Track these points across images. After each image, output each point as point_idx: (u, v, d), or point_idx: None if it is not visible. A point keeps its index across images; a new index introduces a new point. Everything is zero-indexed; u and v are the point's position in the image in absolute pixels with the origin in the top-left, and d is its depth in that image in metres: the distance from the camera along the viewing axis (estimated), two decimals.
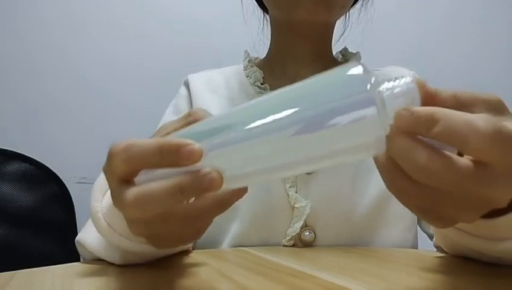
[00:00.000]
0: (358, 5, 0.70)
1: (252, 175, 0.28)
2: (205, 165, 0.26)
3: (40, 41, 1.39)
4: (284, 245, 0.56)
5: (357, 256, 0.50)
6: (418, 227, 0.63)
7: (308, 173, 0.57)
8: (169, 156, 0.26)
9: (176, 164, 0.26)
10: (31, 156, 0.86)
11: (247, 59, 0.70)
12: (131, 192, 0.27)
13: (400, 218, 0.59)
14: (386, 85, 0.27)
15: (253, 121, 0.27)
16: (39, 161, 0.86)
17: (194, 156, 0.26)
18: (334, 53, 0.71)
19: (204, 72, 0.72)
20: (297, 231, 0.55)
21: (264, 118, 0.27)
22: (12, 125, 1.36)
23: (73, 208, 0.87)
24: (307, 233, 0.56)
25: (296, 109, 0.26)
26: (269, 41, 0.71)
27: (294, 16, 0.61)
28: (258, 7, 0.73)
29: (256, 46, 0.73)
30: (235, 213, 0.58)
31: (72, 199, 0.87)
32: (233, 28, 0.76)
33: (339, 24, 0.70)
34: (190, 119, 0.32)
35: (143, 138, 0.34)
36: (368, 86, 0.25)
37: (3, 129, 1.34)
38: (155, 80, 1.43)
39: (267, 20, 0.72)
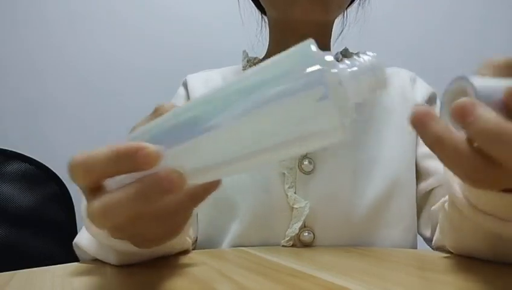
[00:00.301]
0: (355, 4, 0.70)
1: (216, 168, 0.27)
2: (167, 163, 0.25)
3: (40, 41, 1.39)
4: (283, 246, 0.56)
5: (357, 256, 0.50)
6: None
7: (307, 173, 0.57)
8: (126, 162, 0.25)
9: (135, 169, 0.26)
10: (31, 156, 0.86)
11: (246, 59, 0.70)
12: (96, 204, 0.27)
13: (399, 219, 0.59)
14: (345, 64, 0.25)
15: (210, 114, 0.26)
16: (39, 161, 0.86)
17: (151, 160, 0.25)
18: (333, 53, 0.71)
19: (202, 72, 0.72)
20: (296, 231, 0.55)
21: (219, 109, 0.26)
22: (12, 125, 1.36)
23: (73, 208, 0.87)
24: (306, 234, 0.56)
25: (249, 97, 0.25)
26: (267, 42, 0.71)
27: (291, 15, 0.61)
28: (256, 9, 0.73)
29: (255, 47, 0.73)
30: (235, 213, 0.58)
31: (72, 199, 0.87)
32: (233, 28, 0.76)
33: (337, 22, 0.70)
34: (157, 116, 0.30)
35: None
36: (318, 67, 0.23)
37: (3, 129, 1.34)
38: (155, 80, 1.43)
39: (265, 22, 0.72)
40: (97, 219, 0.27)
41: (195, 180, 0.27)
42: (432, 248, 0.56)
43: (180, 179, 0.26)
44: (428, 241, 0.59)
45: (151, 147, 0.25)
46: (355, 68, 0.25)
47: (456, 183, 0.39)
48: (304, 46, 0.25)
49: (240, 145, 0.26)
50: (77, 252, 0.48)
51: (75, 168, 0.27)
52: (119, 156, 0.25)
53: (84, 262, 0.46)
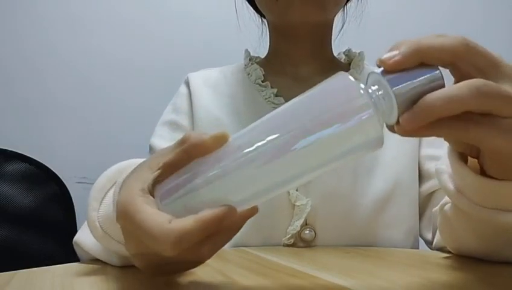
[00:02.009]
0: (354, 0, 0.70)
1: (270, 191, 0.30)
2: (212, 197, 0.29)
3: (40, 41, 1.39)
4: (285, 243, 0.56)
5: (357, 256, 0.50)
6: None
7: None
8: (213, 227, 0.28)
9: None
10: (31, 156, 0.86)
11: (248, 57, 0.70)
12: (207, 252, 0.30)
13: (401, 220, 0.58)
14: (373, 88, 0.29)
15: (252, 144, 0.29)
16: (39, 161, 0.86)
17: (233, 217, 0.29)
18: (336, 53, 0.71)
19: (204, 70, 0.72)
20: (298, 229, 0.55)
21: (263, 139, 0.29)
22: (12, 125, 1.36)
23: (73, 208, 0.87)
24: (307, 231, 0.56)
25: (296, 124, 0.28)
26: (268, 43, 0.71)
27: (288, 18, 0.61)
28: (256, 13, 0.73)
29: (257, 49, 0.73)
30: None
31: (72, 199, 0.87)
32: (234, 27, 0.76)
33: (337, 19, 0.70)
34: (186, 146, 0.31)
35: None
36: (362, 92, 0.28)
37: (3, 129, 1.34)
38: (155, 80, 1.43)
39: (265, 25, 0.73)
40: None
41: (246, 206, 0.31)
42: (432, 250, 0.56)
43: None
44: (429, 244, 0.59)
45: (229, 206, 0.28)
46: (379, 92, 0.29)
47: (449, 183, 0.40)
48: (341, 75, 0.29)
49: (294, 169, 0.29)
50: (77, 251, 0.48)
51: (169, 246, 0.28)
52: (210, 227, 0.28)
53: (84, 262, 0.46)
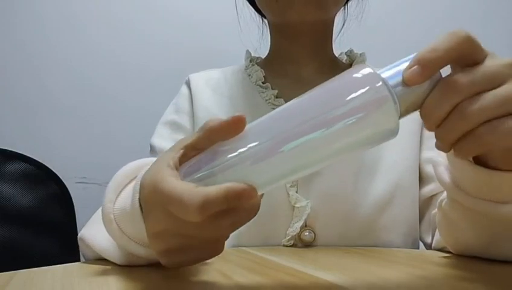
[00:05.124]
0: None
1: (280, 178, 0.31)
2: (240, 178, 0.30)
3: (40, 41, 1.39)
4: (284, 245, 0.56)
5: (357, 256, 0.50)
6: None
7: None
8: (234, 201, 0.29)
9: (238, 205, 0.30)
10: (31, 156, 0.86)
11: (249, 58, 0.70)
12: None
13: (401, 223, 0.58)
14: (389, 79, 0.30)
15: (275, 130, 0.30)
16: (39, 161, 0.86)
17: (253, 197, 0.29)
18: (338, 53, 0.71)
19: (205, 71, 0.72)
20: (297, 230, 0.55)
21: (285, 125, 0.30)
22: (13, 125, 1.36)
23: (73, 208, 0.86)
24: (307, 233, 0.56)
25: (317, 112, 0.29)
26: (269, 43, 0.71)
27: (288, 18, 0.61)
28: (257, 13, 0.73)
29: (258, 50, 0.73)
30: None
31: (72, 198, 0.86)
32: (234, 27, 0.76)
33: (338, 19, 0.70)
34: (205, 131, 0.32)
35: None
36: (380, 83, 0.29)
37: (3, 129, 1.34)
38: (155, 80, 1.43)
39: (265, 25, 0.73)
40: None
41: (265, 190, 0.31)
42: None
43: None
44: (428, 247, 0.59)
45: (253, 189, 0.29)
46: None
47: (445, 175, 0.40)
48: (360, 67, 0.30)
49: (313, 155, 0.30)
50: (81, 247, 0.48)
51: (195, 207, 0.29)
52: (232, 198, 0.29)
53: (84, 262, 0.46)
